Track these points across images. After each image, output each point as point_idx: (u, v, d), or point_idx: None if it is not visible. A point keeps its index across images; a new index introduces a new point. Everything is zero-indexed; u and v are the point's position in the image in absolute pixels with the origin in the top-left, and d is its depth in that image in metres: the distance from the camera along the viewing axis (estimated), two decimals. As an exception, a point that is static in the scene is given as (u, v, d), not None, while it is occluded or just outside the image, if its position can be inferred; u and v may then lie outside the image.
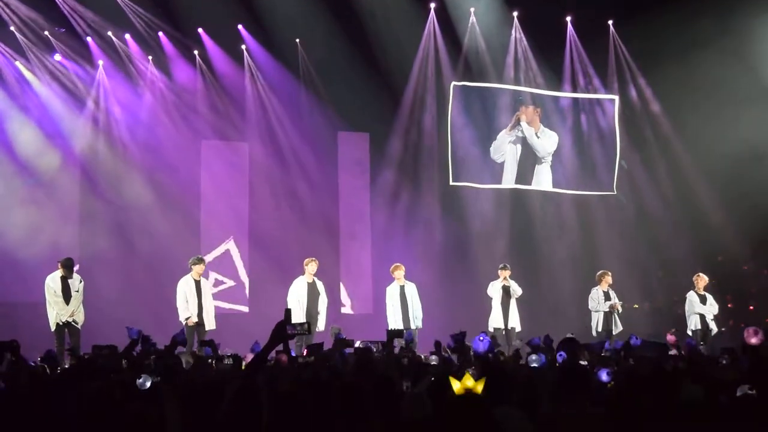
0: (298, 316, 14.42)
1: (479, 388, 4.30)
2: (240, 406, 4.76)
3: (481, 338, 7.68)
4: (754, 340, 10.43)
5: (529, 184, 20.17)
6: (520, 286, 16.55)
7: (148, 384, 6.87)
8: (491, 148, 19.95)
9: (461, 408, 4.25)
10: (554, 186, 20.25)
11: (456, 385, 4.33)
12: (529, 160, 20.19)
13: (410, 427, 5.53)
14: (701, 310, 16.06)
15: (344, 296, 18.95)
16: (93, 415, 5.06)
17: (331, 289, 16.19)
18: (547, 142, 20.22)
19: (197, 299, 14.78)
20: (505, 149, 20.01)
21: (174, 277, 15.44)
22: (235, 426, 4.70)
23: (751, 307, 19.49)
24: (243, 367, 8.46)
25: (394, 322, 15.56)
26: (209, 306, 14.97)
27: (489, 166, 20.05)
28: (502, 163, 20.02)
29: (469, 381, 4.31)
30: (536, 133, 20.11)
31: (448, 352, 10.10)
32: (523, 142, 20.12)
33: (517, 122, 20.08)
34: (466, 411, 4.21)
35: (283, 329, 5.51)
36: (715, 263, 18.90)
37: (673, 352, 11.86)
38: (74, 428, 5.07)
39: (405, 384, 7.56)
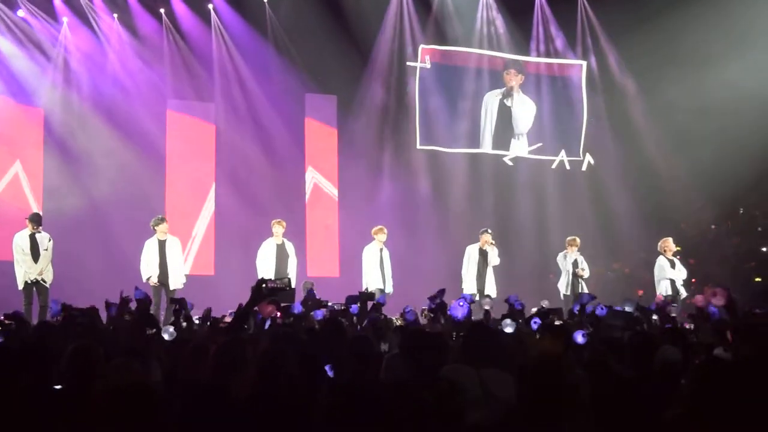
0: (268, 277, 14.36)
1: (557, 350, 4.32)
2: (226, 363, 4.74)
3: (461, 303, 7.60)
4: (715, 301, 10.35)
5: (507, 149, 20.29)
6: (489, 251, 16.47)
7: (168, 336, 6.88)
8: (482, 112, 20.04)
9: (539, 370, 4.24)
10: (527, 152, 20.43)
11: (535, 349, 4.35)
12: (506, 127, 20.29)
13: (390, 389, 5.53)
14: (672, 275, 16.11)
15: (311, 259, 18.85)
16: (80, 372, 5.02)
17: (298, 252, 16.12)
18: (525, 114, 20.32)
19: (159, 259, 14.70)
20: (489, 113, 20.10)
21: (140, 237, 15.31)
22: (221, 381, 4.68)
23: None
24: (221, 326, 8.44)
25: (373, 282, 15.51)
26: (175, 265, 14.82)
27: (456, 130, 20.09)
28: (472, 128, 20.08)
29: (546, 343, 4.32)
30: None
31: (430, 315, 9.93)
32: (504, 108, 20.19)
33: (511, 91, 20.19)
34: (545, 373, 4.19)
35: (264, 285, 5.51)
36: (678, 228, 19.11)
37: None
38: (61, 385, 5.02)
39: (383, 346, 7.57)
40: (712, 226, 20.12)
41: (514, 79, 20.39)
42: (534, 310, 11.72)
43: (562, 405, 4.11)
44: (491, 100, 20.25)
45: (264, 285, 5.63)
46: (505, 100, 20.30)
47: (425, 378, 5.27)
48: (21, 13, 17.41)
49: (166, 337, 7.09)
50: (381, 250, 15.83)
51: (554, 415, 4.11)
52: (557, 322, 10.05)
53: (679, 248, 16.32)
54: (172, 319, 9.43)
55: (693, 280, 17.61)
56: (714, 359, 5.84)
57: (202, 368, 5.24)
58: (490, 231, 16.39)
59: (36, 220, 14.34)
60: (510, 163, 20.45)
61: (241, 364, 4.77)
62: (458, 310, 7.46)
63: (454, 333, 7.31)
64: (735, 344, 6.68)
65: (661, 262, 16.18)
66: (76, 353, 5.04)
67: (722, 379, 4.26)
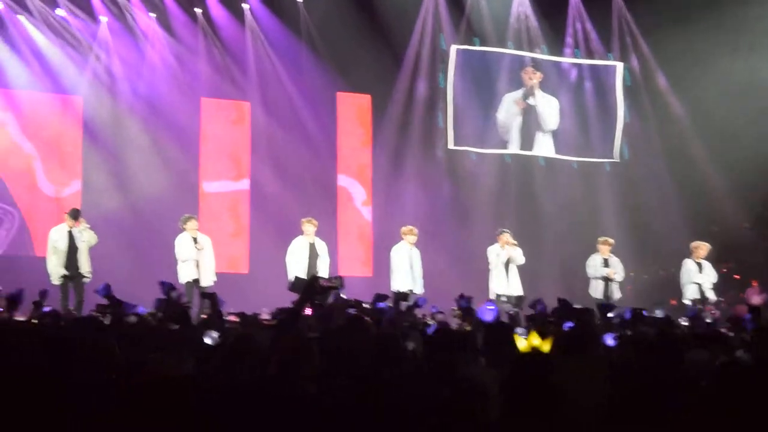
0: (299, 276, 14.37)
1: (546, 346, 4.32)
2: (292, 358, 4.78)
3: (491, 306, 7.57)
4: (756, 300, 10.38)
5: (531, 149, 20.20)
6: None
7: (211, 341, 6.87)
8: (501, 113, 19.96)
9: (527, 365, 4.24)
10: (556, 152, 20.29)
11: (522, 343, 4.35)
12: (532, 126, 20.19)
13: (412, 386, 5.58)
14: (698, 279, 15.84)
15: (343, 258, 18.86)
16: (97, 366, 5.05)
17: (331, 251, 16.11)
18: (550, 111, 20.19)
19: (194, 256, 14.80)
20: (512, 114, 20.03)
21: (172, 235, 15.39)
22: (289, 377, 4.72)
23: (755, 283, 19.44)
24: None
25: (402, 283, 15.35)
26: (207, 262, 14.89)
27: (489, 130, 20.04)
28: (503, 128, 20.01)
29: (535, 339, 4.32)
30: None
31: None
32: (528, 108, 20.12)
33: (532, 90, 20.12)
34: (532, 368, 4.19)
35: (317, 283, 5.58)
36: (711, 232, 18.95)
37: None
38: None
39: (410, 344, 7.58)
40: (746, 228, 19.89)
41: (533, 77, 20.26)
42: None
43: (548, 406, 4.12)
44: (515, 103, 20.16)
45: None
46: (528, 100, 20.19)
47: (448, 376, 5.31)
48: (60, 11, 17.61)
49: (209, 341, 7.05)
50: (410, 250, 15.73)
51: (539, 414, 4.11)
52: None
53: (709, 250, 16.13)
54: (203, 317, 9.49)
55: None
56: (735, 361, 5.86)
57: (244, 363, 5.26)
58: (507, 230, 16.18)
59: (74, 215, 14.41)
60: (542, 163, 20.38)
61: (308, 360, 4.80)
62: (487, 314, 7.42)
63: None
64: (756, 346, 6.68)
65: (688, 265, 15.89)
66: (92, 348, 5.08)
67: (742, 380, 4.28)
